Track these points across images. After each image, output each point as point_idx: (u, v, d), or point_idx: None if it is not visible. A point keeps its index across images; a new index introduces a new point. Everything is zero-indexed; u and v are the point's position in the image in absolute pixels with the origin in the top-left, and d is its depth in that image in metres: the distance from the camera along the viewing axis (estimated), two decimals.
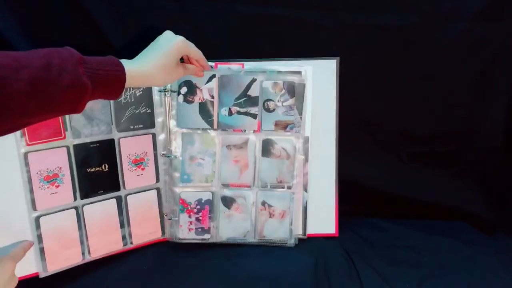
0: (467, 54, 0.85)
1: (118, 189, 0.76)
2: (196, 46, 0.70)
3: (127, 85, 0.58)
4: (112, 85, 0.56)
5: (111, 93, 0.57)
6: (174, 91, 0.78)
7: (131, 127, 0.75)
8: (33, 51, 0.50)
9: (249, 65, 0.79)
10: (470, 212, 0.93)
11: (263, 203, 0.81)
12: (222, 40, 0.84)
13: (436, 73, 0.87)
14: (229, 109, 0.79)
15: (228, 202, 0.81)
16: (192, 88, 0.78)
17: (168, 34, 0.66)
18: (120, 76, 0.56)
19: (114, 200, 0.76)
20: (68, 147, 0.70)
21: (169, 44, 0.64)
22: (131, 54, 0.79)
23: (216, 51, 0.84)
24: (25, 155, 0.67)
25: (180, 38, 0.66)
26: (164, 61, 0.63)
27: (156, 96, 0.77)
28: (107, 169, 0.74)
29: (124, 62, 0.58)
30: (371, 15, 0.83)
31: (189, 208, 0.80)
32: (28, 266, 0.69)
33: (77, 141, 0.71)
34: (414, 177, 0.92)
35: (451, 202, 0.93)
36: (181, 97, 0.78)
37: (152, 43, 0.66)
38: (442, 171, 0.92)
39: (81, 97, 0.52)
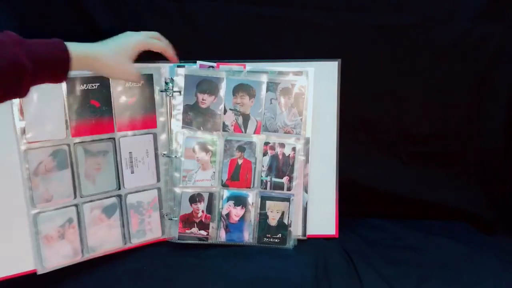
0: (467, 54, 0.86)
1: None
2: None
3: (73, 67, 0.57)
4: (55, 66, 0.55)
5: (56, 75, 0.56)
6: (176, 91, 0.78)
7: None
8: None
9: (250, 66, 0.80)
10: (470, 212, 0.93)
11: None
12: (222, 40, 0.84)
13: (436, 73, 0.87)
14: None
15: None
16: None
17: (130, 32, 0.68)
18: (63, 56, 0.55)
19: (114, 199, 0.76)
20: (68, 145, 0.71)
21: (127, 37, 0.66)
22: None
23: (216, 51, 0.84)
24: (25, 152, 0.67)
25: (141, 34, 0.67)
26: (117, 49, 0.63)
27: (157, 96, 0.77)
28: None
29: (74, 44, 0.57)
30: (371, 15, 0.83)
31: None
32: (26, 263, 0.69)
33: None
34: (414, 177, 0.92)
35: (451, 202, 0.93)
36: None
37: (115, 36, 0.67)
38: (442, 171, 0.92)
39: (20, 78, 0.51)
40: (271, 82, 0.79)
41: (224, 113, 0.79)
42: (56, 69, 0.55)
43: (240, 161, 0.80)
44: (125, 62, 0.65)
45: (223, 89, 0.79)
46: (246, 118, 0.80)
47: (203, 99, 0.79)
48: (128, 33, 0.68)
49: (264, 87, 0.79)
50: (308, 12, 0.83)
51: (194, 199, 0.80)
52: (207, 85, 0.78)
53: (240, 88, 0.79)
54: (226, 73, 0.78)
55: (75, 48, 0.57)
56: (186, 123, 0.79)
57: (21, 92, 0.52)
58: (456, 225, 0.93)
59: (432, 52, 0.85)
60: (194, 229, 0.80)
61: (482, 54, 0.86)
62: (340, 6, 0.83)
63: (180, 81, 0.78)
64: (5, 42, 0.50)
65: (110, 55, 0.62)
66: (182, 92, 0.78)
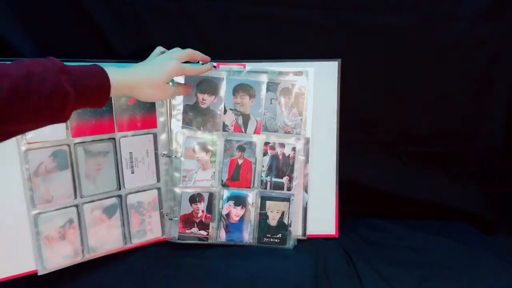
0: (467, 54, 0.85)
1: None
2: (199, 51, 0.71)
3: (112, 94, 0.58)
4: (96, 93, 0.56)
5: (96, 101, 0.57)
6: None
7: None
8: (15, 61, 0.51)
9: (250, 66, 0.80)
10: (470, 212, 0.93)
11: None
12: (222, 40, 0.84)
13: (436, 73, 0.87)
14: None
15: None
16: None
17: (165, 55, 0.68)
18: (104, 85, 0.57)
19: (114, 199, 0.76)
20: (69, 146, 0.71)
21: (162, 64, 0.66)
22: (131, 54, 0.80)
23: (216, 51, 0.84)
24: (25, 152, 0.67)
25: (174, 62, 0.66)
26: (153, 78, 0.64)
27: None
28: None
29: (112, 70, 0.58)
30: (371, 15, 0.83)
31: None
32: (26, 264, 0.69)
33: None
34: (414, 177, 0.92)
35: (451, 202, 0.93)
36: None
37: (148, 59, 0.69)
38: (442, 171, 0.92)
39: (64, 105, 0.52)
40: (271, 82, 0.79)
41: (224, 113, 0.79)
42: (97, 97, 0.57)
43: (240, 161, 0.80)
44: (162, 87, 0.66)
45: (223, 89, 0.79)
46: (246, 118, 0.80)
47: (203, 99, 0.79)
48: (164, 57, 0.68)
49: (264, 87, 0.79)
50: (308, 12, 0.83)
51: (194, 199, 0.80)
52: (207, 85, 0.78)
53: (240, 88, 0.79)
54: (226, 73, 0.78)
55: (114, 76, 0.58)
56: (186, 123, 0.79)
57: (64, 117, 0.54)
58: (456, 225, 0.93)
59: (432, 52, 0.85)
60: (194, 229, 0.81)
61: (482, 54, 0.85)
62: (340, 6, 0.82)
63: (180, 81, 0.78)
64: (50, 69, 0.51)
65: (147, 83, 0.63)
66: None
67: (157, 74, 0.65)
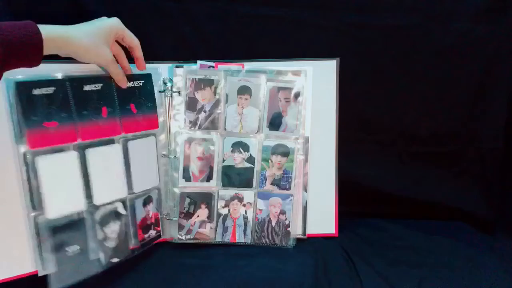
0: (467, 54, 0.86)
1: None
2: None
3: (46, 50, 0.55)
4: (27, 49, 0.53)
5: (29, 58, 0.54)
6: (175, 92, 0.78)
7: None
8: None
9: (249, 65, 0.80)
10: (470, 212, 0.93)
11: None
12: (222, 40, 0.84)
13: (436, 73, 0.87)
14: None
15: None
16: None
17: (105, 17, 0.67)
18: (34, 38, 0.53)
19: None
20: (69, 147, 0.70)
21: (103, 21, 0.64)
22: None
23: (216, 51, 0.84)
24: (25, 154, 0.67)
25: (116, 21, 0.66)
26: (91, 31, 0.61)
27: (156, 97, 0.77)
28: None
29: (45, 26, 0.55)
30: (371, 15, 0.83)
31: None
32: (26, 265, 0.69)
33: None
34: (414, 177, 0.92)
35: (451, 202, 0.93)
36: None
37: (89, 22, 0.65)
38: (442, 171, 0.92)
39: None
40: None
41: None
42: (29, 53, 0.53)
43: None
44: (99, 44, 0.63)
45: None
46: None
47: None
48: (103, 18, 0.66)
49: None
50: (308, 12, 0.83)
51: (145, 202, 0.78)
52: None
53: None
54: (225, 73, 0.78)
55: (47, 31, 0.54)
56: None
57: None
58: (456, 225, 0.93)
59: (432, 52, 0.85)
60: (152, 231, 0.79)
61: (482, 54, 0.85)
62: (340, 6, 0.82)
63: (179, 81, 0.78)
64: None
65: (84, 36, 0.60)
66: (182, 93, 0.78)
67: (96, 28, 0.62)
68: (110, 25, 0.65)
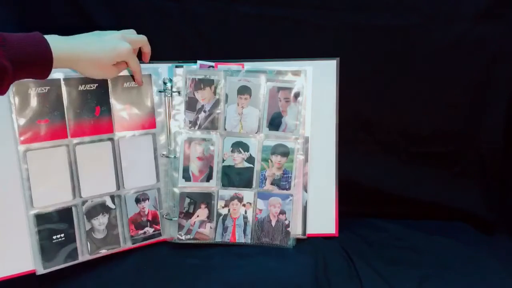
0: (467, 54, 0.85)
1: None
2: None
3: (55, 66, 0.55)
4: (36, 66, 0.53)
5: (38, 73, 0.54)
6: (175, 92, 0.78)
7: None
8: None
9: (249, 65, 0.79)
10: (470, 212, 0.93)
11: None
12: (222, 40, 0.84)
13: (436, 73, 0.87)
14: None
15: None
16: None
17: (118, 36, 0.64)
18: (45, 56, 0.53)
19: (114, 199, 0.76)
20: (68, 146, 0.71)
21: (113, 45, 0.62)
22: None
23: (215, 51, 0.84)
24: (24, 153, 0.67)
25: (126, 47, 0.63)
26: (100, 57, 0.61)
27: (156, 96, 0.77)
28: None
29: (54, 39, 0.55)
30: (371, 15, 0.83)
31: None
32: (25, 263, 0.69)
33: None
34: (414, 177, 0.92)
35: (451, 202, 0.93)
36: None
37: (98, 33, 0.64)
38: (442, 171, 0.92)
39: (1, 80, 0.49)
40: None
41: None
42: (39, 69, 0.54)
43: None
44: (107, 66, 0.63)
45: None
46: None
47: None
48: (117, 37, 0.64)
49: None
50: (308, 12, 0.83)
51: (138, 199, 0.78)
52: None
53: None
54: (225, 72, 0.78)
55: (57, 48, 0.54)
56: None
57: (1, 91, 0.51)
58: (456, 225, 0.93)
59: (432, 52, 0.85)
60: (147, 228, 0.80)
61: (482, 54, 0.85)
62: (340, 6, 0.83)
63: (179, 81, 0.78)
64: None
65: (92, 60, 0.60)
66: (181, 93, 0.78)
67: (105, 54, 0.61)
68: (117, 54, 0.63)
